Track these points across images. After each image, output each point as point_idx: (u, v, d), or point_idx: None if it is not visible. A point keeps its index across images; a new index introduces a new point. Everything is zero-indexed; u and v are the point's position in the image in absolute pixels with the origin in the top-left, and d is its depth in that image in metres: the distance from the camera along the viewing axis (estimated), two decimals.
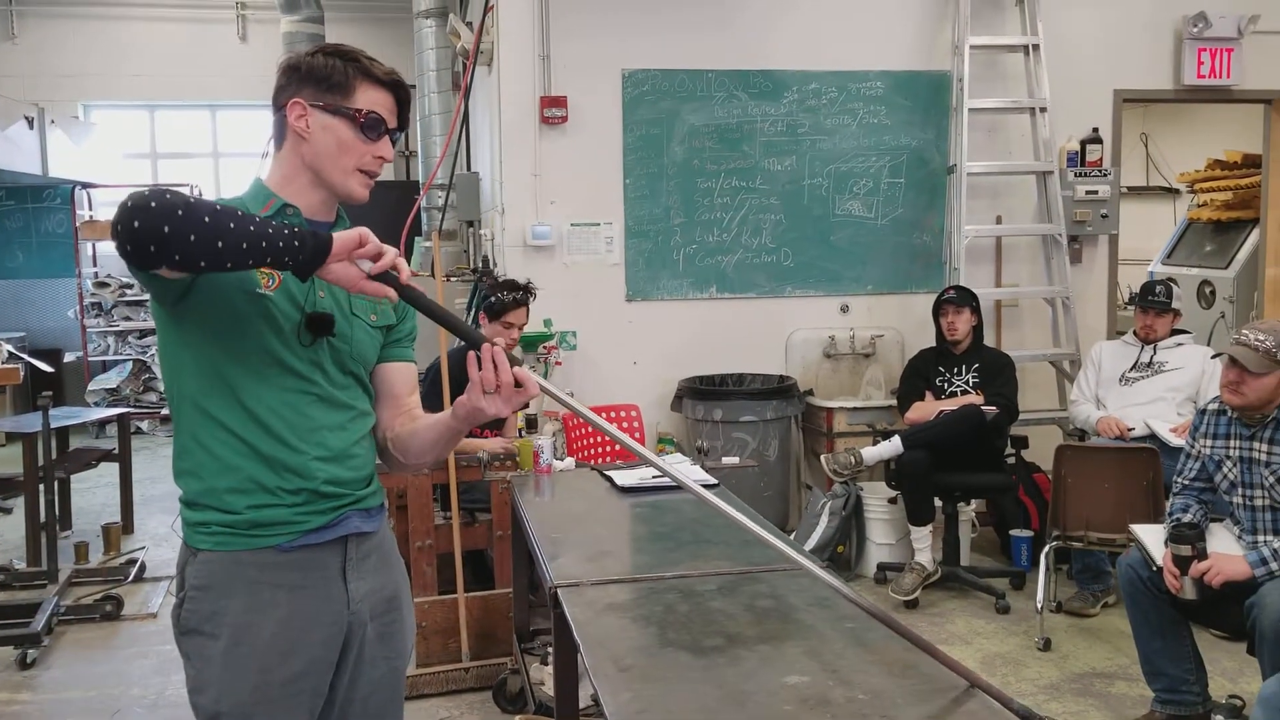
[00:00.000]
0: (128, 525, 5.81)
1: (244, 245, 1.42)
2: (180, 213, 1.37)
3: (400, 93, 1.76)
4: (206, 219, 1.38)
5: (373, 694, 1.84)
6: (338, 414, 1.75)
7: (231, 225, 1.41)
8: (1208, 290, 6.98)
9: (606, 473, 3.36)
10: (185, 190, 1.46)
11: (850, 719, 1.63)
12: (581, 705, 2.49)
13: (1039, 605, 4.08)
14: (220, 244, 1.40)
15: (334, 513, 1.76)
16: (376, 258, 1.54)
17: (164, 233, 1.35)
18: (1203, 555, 2.96)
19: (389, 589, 1.86)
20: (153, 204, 1.36)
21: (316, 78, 1.70)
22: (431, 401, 4.21)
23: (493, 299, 4.14)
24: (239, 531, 1.69)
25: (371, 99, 1.71)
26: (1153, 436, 4.41)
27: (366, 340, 1.80)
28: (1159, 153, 9.30)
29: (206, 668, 1.70)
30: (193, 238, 1.37)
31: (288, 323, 1.69)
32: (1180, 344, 4.67)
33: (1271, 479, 3.00)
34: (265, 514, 1.69)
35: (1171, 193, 9.18)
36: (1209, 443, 3.18)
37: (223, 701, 1.68)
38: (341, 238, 1.52)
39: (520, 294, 4.17)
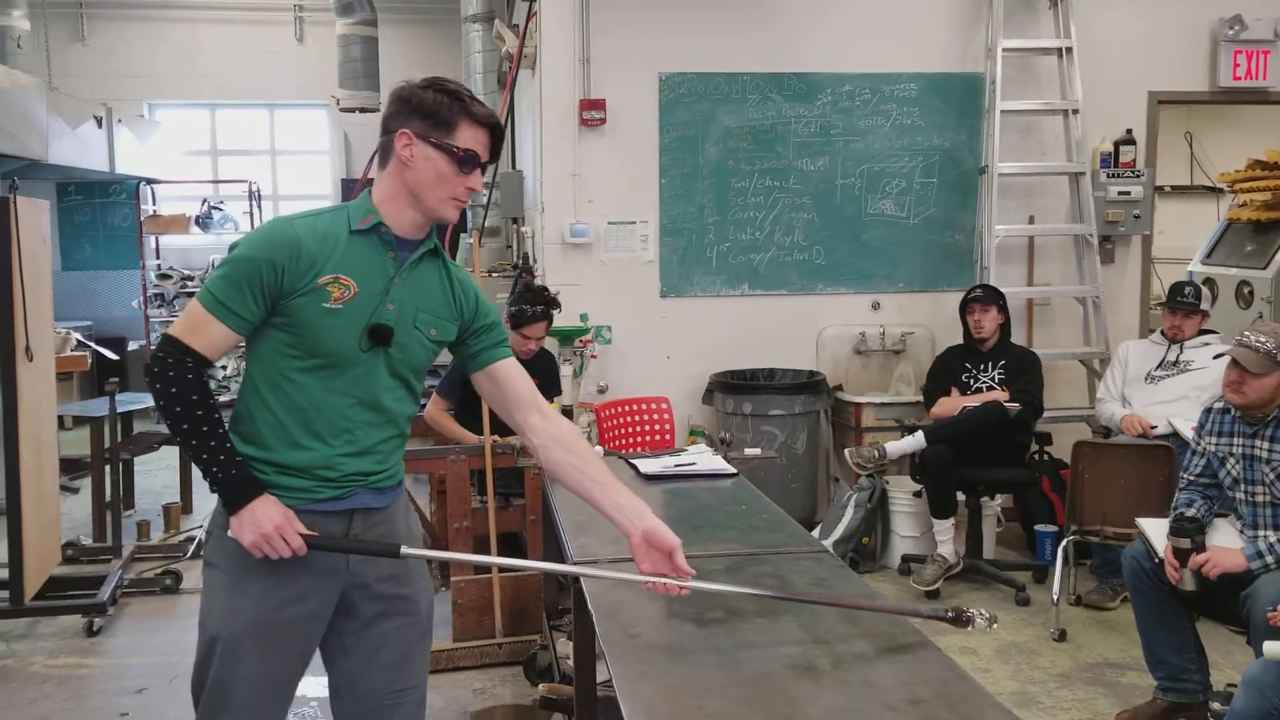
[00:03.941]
0: (186, 505, 6.09)
1: (189, 451, 1.90)
2: (161, 403, 1.87)
3: (496, 132, 1.97)
4: (169, 422, 1.88)
5: (383, 647, 2.06)
6: (373, 415, 1.99)
7: (179, 438, 1.90)
8: (1246, 290, 6.93)
9: (631, 461, 3.54)
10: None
11: (833, 682, 1.79)
12: (602, 678, 2.67)
13: (1054, 597, 4.19)
14: (177, 438, 1.90)
15: (344, 488, 1.98)
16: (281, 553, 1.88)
17: (155, 404, 1.91)
18: (1201, 548, 3.06)
19: (398, 560, 2.05)
20: (156, 385, 1.86)
21: (425, 112, 1.91)
22: (469, 406, 4.36)
23: (515, 309, 4.34)
24: None
25: (471, 137, 1.92)
26: (1176, 434, 4.47)
27: (421, 351, 2.02)
28: (1203, 152, 9.24)
29: (215, 597, 1.96)
30: (167, 421, 1.89)
31: (352, 332, 1.91)
32: (1206, 344, 4.72)
33: (1272, 475, 3.09)
34: (281, 479, 1.93)
35: (1215, 192, 9.11)
36: (1213, 440, 3.27)
37: (223, 628, 1.93)
38: (263, 522, 1.85)
39: (542, 309, 4.35)
